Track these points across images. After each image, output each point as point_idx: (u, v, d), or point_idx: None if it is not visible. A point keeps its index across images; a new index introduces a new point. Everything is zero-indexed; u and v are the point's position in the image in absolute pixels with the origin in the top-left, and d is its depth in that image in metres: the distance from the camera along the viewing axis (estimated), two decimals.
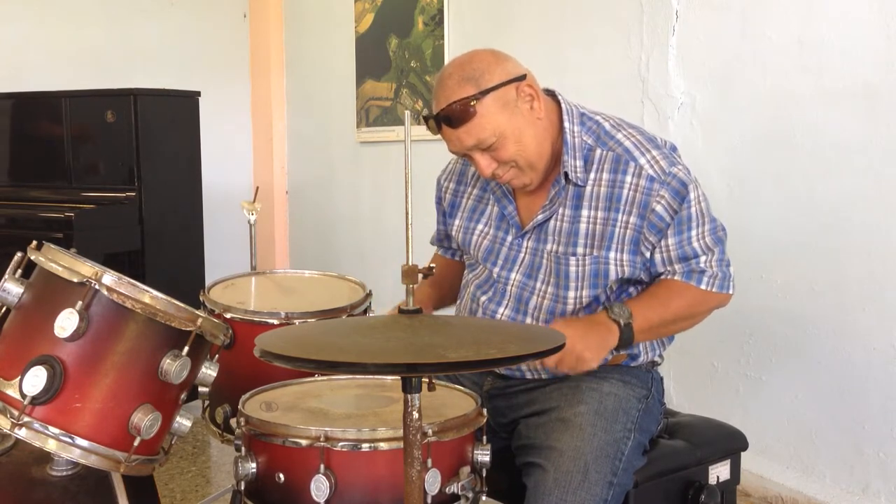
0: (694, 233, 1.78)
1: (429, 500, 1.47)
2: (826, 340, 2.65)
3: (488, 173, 1.79)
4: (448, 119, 1.73)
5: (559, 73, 3.34)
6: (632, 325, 1.75)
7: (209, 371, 1.63)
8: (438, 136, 1.79)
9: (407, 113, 1.44)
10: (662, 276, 1.82)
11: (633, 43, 3.15)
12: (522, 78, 1.76)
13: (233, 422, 1.68)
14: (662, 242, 1.78)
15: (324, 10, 4.91)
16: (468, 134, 1.73)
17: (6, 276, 1.55)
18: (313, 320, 2.03)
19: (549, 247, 1.83)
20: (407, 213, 1.35)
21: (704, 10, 2.93)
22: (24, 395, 1.46)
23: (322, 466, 1.45)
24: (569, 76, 3.30)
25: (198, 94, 4.10)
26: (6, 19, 4.43)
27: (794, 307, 2.72)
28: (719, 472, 1.93)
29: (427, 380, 1.32)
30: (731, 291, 1.84)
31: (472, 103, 1.71)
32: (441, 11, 4.04)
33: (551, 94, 1.86)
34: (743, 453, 2.00)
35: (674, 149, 1.84)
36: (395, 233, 4.31)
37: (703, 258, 1.79)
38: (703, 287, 1.80)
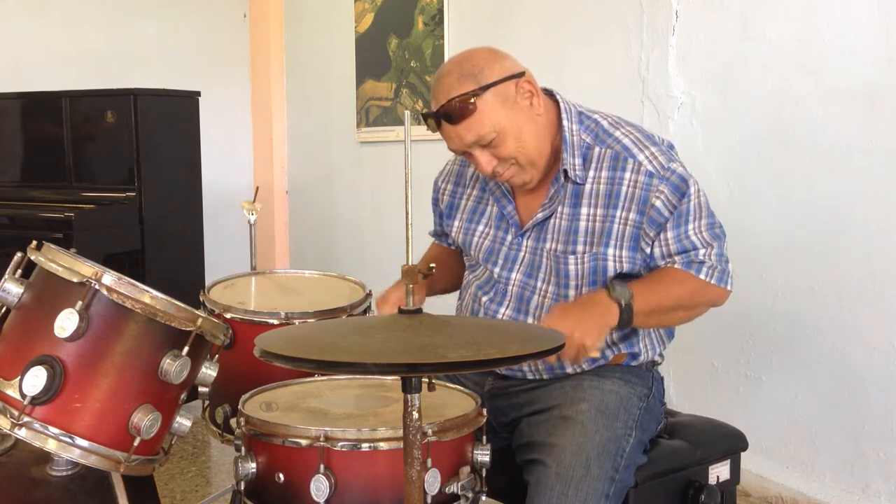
0: (692, 226, 1.77)
1: (429, 500, 1.47)
2: (826, 340, 2.65)
3: (489, 171, 1.79)
4: (448, 115, 1.73)
5: (559, 72, 3.34)
6: (632, 306, 1.72)
7: (209, 371, 1.63)
8: (438, 136, 1.79)
9: (407, 113, 1.44)
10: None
11: (633, 43, 3.15)
12: (521, 75, 1.76)
13: (233, 422, 1.68)
14: (661, 236, 1.77)
15: (324, 10, 4.91)
16: (468, 130, 1.73)
17: (6, 276, 1.55)
18: (313, 320, 2.03)
19: (548, 245, 1.83)
20: (407, 213, 1.34)
21: (704, 11, 2.93)
22: (24, 395, 1.46)
23: (322, 466, 1.45)
24: (569, 76, 3.30)
25: (198, 94, 4.10)
26: (6, 19, 4.42)
27: (794, 307, 2.72)
28: (719, 472, 1.93)
29: (427, 380, 1.32)
30: (729, 287, 1.82)
31: (471, 99, 1.70)
32: (441, 11, 4.04)
33: (549, 93, 1.86)
34: (743, 453, 2.00)
35: (671, 146, 1.84)
36: (395, 233, 4.31)
37: (702, 251, 1.78)
38: (702, 277, 1.78)
